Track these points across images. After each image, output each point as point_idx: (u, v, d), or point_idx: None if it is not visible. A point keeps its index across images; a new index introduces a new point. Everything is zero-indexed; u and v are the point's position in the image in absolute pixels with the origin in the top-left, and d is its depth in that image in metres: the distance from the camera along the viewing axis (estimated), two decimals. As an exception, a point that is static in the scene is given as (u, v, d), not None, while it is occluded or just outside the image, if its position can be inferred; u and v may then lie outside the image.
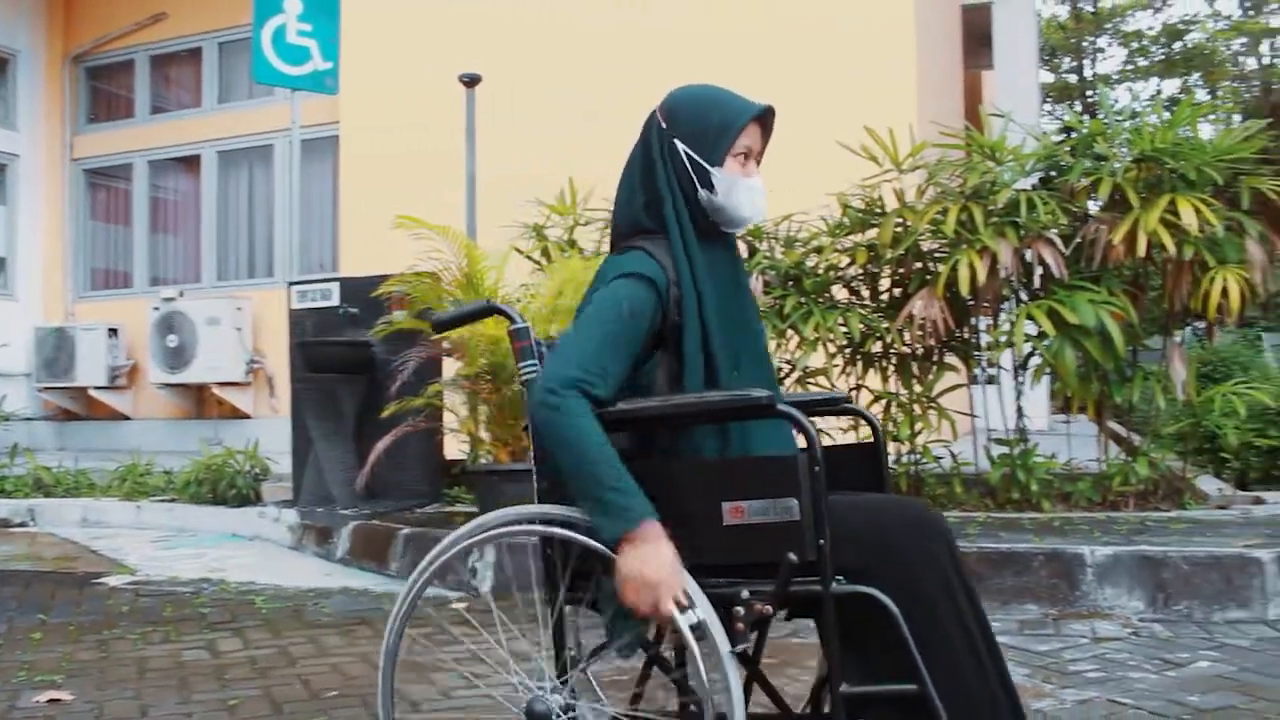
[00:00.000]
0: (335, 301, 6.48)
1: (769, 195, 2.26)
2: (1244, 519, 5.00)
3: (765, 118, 2.25)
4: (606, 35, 9.38)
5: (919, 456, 5.54)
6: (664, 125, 2.22)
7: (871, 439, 2.51)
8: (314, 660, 3.82)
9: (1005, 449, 5.37)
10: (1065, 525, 4.80)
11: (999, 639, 3.88)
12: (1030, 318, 5.05)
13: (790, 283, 5.57)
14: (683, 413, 2.07)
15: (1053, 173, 5.43)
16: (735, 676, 1.90)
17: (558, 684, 2.07)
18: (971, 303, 5.31)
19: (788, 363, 5.56)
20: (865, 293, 5.72)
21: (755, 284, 5.40)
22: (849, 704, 1.96)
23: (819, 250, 5.58)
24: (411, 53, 9.77)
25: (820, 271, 5.55)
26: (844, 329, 5.37)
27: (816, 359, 5.47)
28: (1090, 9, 29.37)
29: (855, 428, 3.96)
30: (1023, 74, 11.86)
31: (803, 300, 5.41)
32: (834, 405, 2.71)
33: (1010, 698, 2.08)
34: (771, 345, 5.38)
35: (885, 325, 5.35)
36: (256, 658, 3.86)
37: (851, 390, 5.64)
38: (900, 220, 5.31)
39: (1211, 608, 4.08)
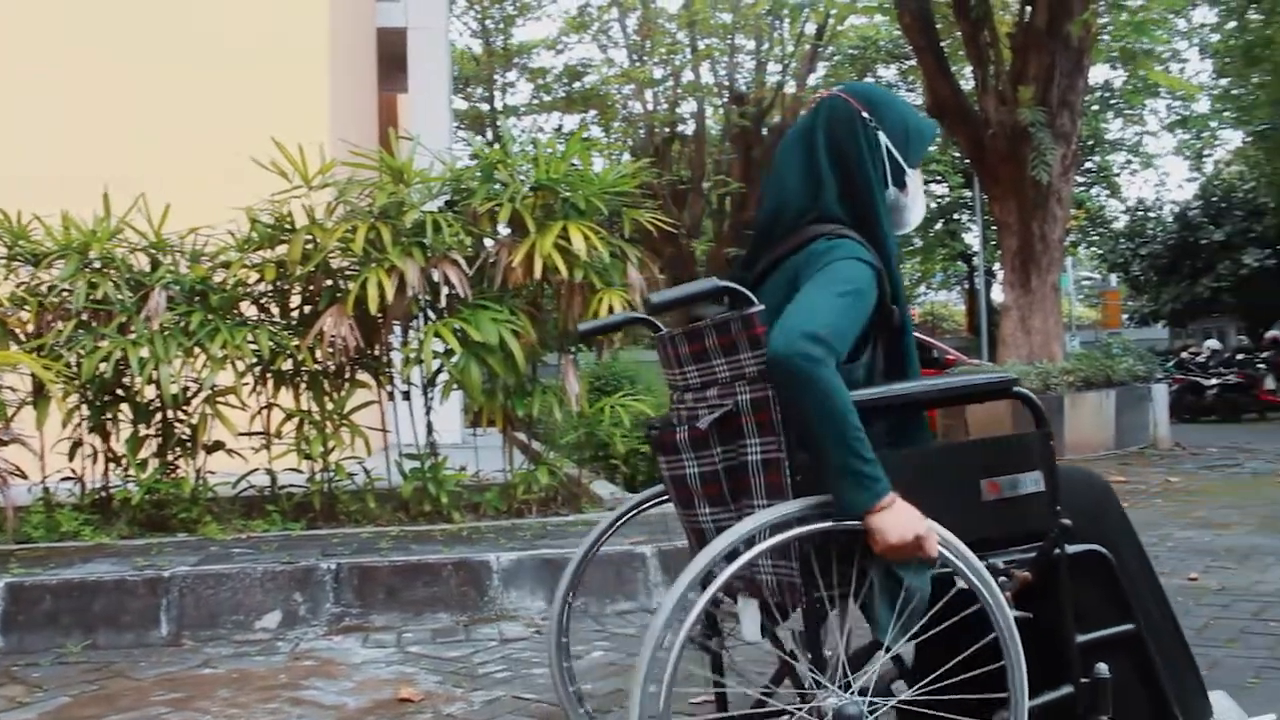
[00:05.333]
0: None
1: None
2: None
3: None
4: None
5: (332, 474, 5.53)
6: (866, 116, 2.24)
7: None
8: None
9: (417, 463, 5.50)
10: (474, 534, 5.01)
11: (410, 649, 4.01)
12: (438, 335, 5.22)
13: (196, 298, 5.35)
14: (948, 396, 2.28)
15: (458, 196, 5.66)
16: (1018, 645, 1.99)
17: (849, 685, 2.00)
18: (381, 320, 5.39)
19: (195, 381, 5.34)
20: (275, 310, 5.62)
21: (159, 299, 5.13)
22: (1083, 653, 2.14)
23: (227, 265, 5.42)
24: None
25: (228, 287, 5.38)
26: (253, 346, 5.25)
27: (225, 377, 5.29)
28: (500, 44, 30.94)
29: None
30: (436, 100, 12.25)
31: (210, 317, 5.22)
32: None
33: (1179, 632, 2.36)
34: (177, 364, 5.14)
35: (296, 343, 5.29)
36: None
37: (263, 409, 5.52)
38: (310, 237, 5.28)
39: (604, 601, 4.45)
